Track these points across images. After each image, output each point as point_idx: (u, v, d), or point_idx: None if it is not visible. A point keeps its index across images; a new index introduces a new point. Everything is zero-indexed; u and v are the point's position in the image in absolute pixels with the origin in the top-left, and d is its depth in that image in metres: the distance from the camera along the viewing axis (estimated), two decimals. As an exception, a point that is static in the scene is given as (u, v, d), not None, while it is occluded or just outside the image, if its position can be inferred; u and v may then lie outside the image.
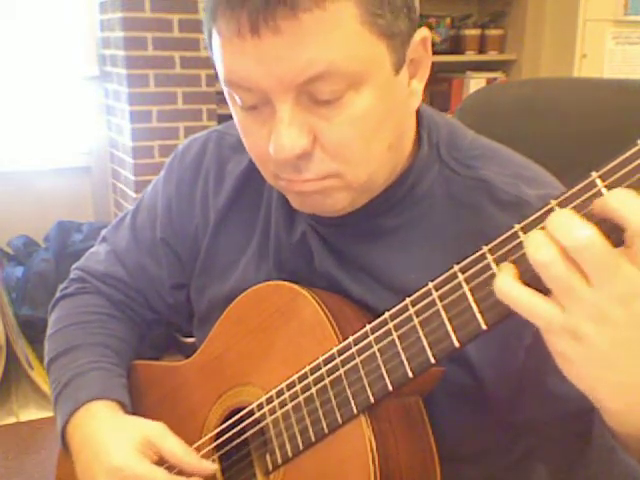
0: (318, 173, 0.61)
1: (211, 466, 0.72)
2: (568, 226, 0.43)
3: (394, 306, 0.58)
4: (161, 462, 0.72)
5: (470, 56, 3.30)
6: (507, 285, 0.47)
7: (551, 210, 0.46)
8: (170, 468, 0.72)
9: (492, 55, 3.33)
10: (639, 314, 0.44)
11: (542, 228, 0.46)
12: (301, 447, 0.65)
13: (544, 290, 0.46)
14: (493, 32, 3.31)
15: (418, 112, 0.69)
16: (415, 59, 0.63)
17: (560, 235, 0.43)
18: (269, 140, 0.60)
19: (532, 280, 0.46)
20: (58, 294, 0.92)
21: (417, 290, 0.56)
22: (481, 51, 3.32)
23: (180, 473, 0.72)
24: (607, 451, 0.58)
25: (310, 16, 0.53)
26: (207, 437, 0.76)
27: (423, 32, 0.63)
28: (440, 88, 3.27)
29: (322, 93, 0.57)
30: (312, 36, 0.54)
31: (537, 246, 0.44)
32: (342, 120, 0.58)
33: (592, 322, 0.44)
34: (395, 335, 0.57)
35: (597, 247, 0.42)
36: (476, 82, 3.24)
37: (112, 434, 0.73)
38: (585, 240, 0.42)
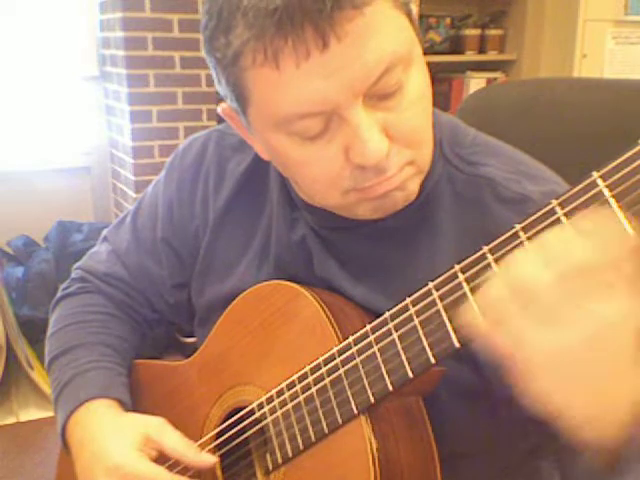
0: (398, 165, 0.60)
1: (210, 458, 0.72)
2: (559, 246, 0.44)
3: (394, 306, 0.58)
4: (161, 458, 0.72)
5: (470, 56, 3.29)
6: (471, 315, 0.48)
7: (552, 210, 0.46)
8: (171, 467, 0.72)
9: (492, 55, 3.32)
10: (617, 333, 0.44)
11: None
12: (301, 447, 0.65)
13: None
14: (493, 32, 3.31)
15: None
16: None
17: (548, 254, 0.44)
18: (341, 157, 0.58)
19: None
20: (59, 293, 0.92)
21: (417, 290, 0.56)
22: (481, 51, 3.32)
23: (181, 472, 0.72)
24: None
25: (361, 14, 0.53)
26: (207, 436, 0.76)
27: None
28: (440, 88, 3.26)
29: (389, 86, 0.57)
30: (373, 31, 0.54)
31: (521, 267, 0.45)
32: (407, 106, 0.59)
33: (578, 343, 0.44)
34: (395, 335, 0.57)
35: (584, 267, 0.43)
36: (476, 82, 3.23)
37: (112, 432, 0.73)
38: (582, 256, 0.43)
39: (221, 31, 0.56)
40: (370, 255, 0.70)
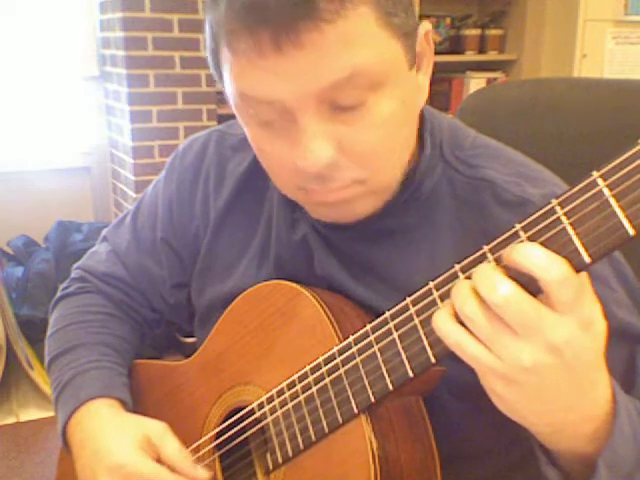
0: (344, 181, 0.60)
1: (205, 474, 0.71)
2: (488, 282, 0.45)
3: (394, 305, 0.58)
4: (160, 461, 0.71)
5: (470, 56, 3.30)
6: (440, 319, 0.49)
7: (552, 210, 0.46)
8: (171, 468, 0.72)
9: (492, 55, 3.33)
10: (570, 359, 0.46)
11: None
12: (301, 446, 0.65)
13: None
14: (493, 32, 3.31)
15: (420, 112, 0.69)
16: (420, 53, 0.63)
17: (482, 290, 0.45)
18: (290, 153, 0.59)
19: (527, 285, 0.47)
20: (59, 293, 0.92)
21: (418, 289, 0.56)
22: (481, 51, 3.32)
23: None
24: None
25: (332, 27, 0.53)
26: (207, 436, 0.76)
27: (425, 26, 0.63)
28: (440, 88, 3.27)
29: (345, 98, 0.56)
30: (335, 46, 0.54)
31: (462, 299, 0.47)
32: (367, 125, 0.58)
33: (522, 370, 0.46)
34: (396, 334, 0.57)
35: (516, 303, 0.44)
36: (476, 82, 3.24)
37: (113, 432, 0.73)
38: (503, 297, 0.45)
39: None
40: (370, 255, 0.70)
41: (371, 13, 0.55)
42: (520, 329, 0.45)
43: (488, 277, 0.46)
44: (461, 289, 0.47)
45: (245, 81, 0.57)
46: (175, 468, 0.71)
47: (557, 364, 0.46)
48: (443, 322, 0.48)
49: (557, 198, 0.46)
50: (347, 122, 0.57)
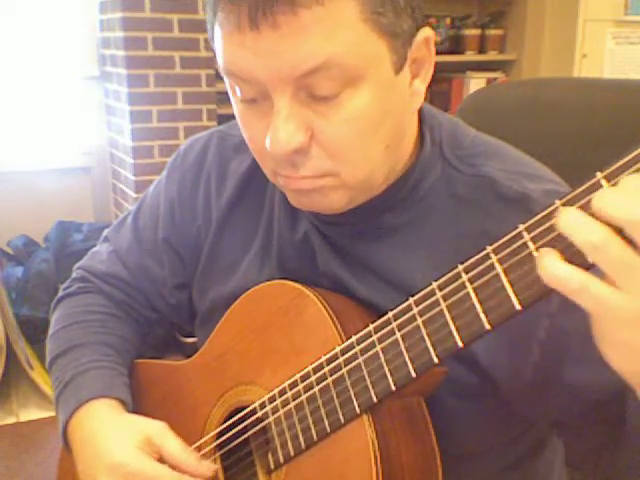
0: (315, 170, 0.61)
1: (211, 466, 0.72)
2: (625, 201, 0.41)
3: (397, 305, 0.58)
4: (161, 461, 0.71)
5: (470, 56, 3.30)
6: (554, 265, 0.44)
7: (556, 210, 0.46)
8: (173, 466, 0.72)
9: (492, 55, 3.33)
10: None
11: (581, 208, 0.43)
12: (303, 446, 0.65)
13: (547, 292, 0.45)
14: (493, 32, 3.31)
15: (420, 111, 0.69)
16: (418, 59, 0.63)
17: (616, 211, 0.41)
18: (265, 134, 0.59)
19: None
20: (60, 293, 0.92)
21: (421, 289, 0.56)
22: (481, 51, 3.32)
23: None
24: None
25: (309, 12, 0.53)
26: (209, 436, 0.76)
27: (426, 32, 0.62)
28: (440, 88, 3.27)
29: (320, 88, 0.57)
30: (311, 32, 0.54)
31: (587, 229, 0.42)
32: (339, 118, 0.58)
33: None
34: (398, 335, 0.57)
35: None
36: (476, 82, 3.24)
37: (113, 432, 0.73)
38: None
39: None
40: (369, 252, 0.70)
41: (355, 7, 0.55)
42: None
43: (622, 196, 0.41)
44: (580, 219, 0.42)
45: (228, 56, 0.59)
46: (179, 465, 0.71)
47: None
48: (558, 267, 0.43)
49: (561, 199, 0.46)
50: (320, 113, 0.58)
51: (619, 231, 0.41)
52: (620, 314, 0.42)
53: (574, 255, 0.44)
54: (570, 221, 0.43)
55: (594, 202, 0.42)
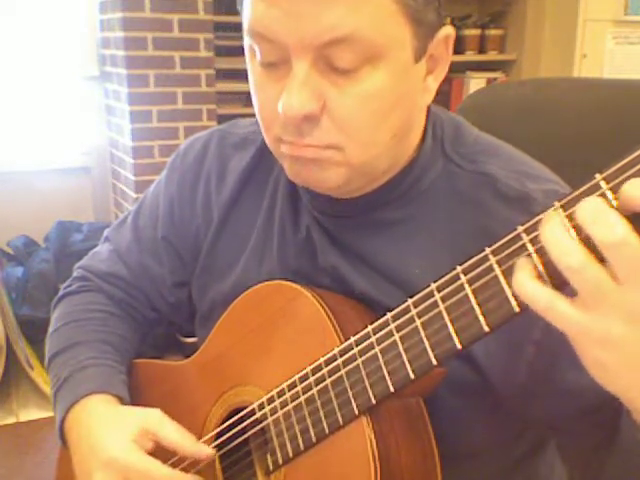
0: (321, 140, 0.61)
1: (208, 450, 0.72)
2: (604, 220, 0.41)
3: (396, 307, 0.58)
4: (159, 450, 0.71)
5: (470, 56, 3.29)
6: (525, 283, 0.45)
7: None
8: (171, 463, 0.72)
9: (492, 55, 3.33)
10: None
11: (567, 217, 0.44)
12: (302, 447, 0.65)
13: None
14: (493, 32, 3.31)
15: (427, 109, 0.70)
16: (435, 55, 0.64)
17: (596, 230, 0.41)
18: (278, 97, 0.60)
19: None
20: (61, 292, 0.93)
21: (420, 289, 0.56)
22: (481, 51, 3.32)
23: (177, 463, 0.72)
24: (638, 450, 0.57)
25: None
26: (207, 436, 0.76)
27: (448, 30, 0.64)
28: (440, 88, 3.23)
29: (341, 60, 0.57)
30: (343, 1, 0.54)
31: (567, 250, 0.43)
32: (354, 92, 0.58)
33: (622, 324, 0.42)
34: (397, 336, 0.57)
35: (633, 244, 0.40)
36: (476, 82, 3.23)
37: (108, 426, 0.73)
38: (622, 236, 0.40)
39: None
40: (368, 246, 0.70)
41: None
42: (627, 275, 0.41)
43: (603, 214, 0.41)
44: (561, 237, 0.43)
45: (257, 14, 0.58)
46: (177, 449, 0.71)
47: None
48: (528, 285, 0.45)
49: (560, 200, 0.46)
50: (337, 84, 0.58)
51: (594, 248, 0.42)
52: (589, 333, 0.43)
53: (552, 270, 0.44)
54: (551, 237, 0.44)
55: (580, 213, 0.42)
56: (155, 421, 0.72)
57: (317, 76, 0.58)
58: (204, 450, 0.72)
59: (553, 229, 0.44)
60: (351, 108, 0.59)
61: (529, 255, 0.47)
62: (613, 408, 0.57)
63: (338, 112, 0.59)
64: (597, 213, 0.42)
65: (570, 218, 0.44)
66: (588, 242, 0.42)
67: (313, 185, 0.67)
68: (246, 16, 0.60)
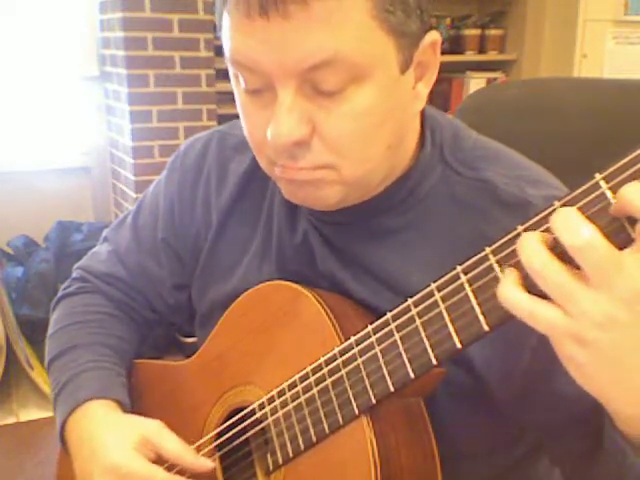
0: (314, 162, 0.61)
1: (208, 463, 0.72)
2: (570, 224, 0.43)
3: (396, 307, 0.58)
4: (158, 460, 0.71)
5: (470, 56, 3.30)
6: (508, 291, 0.46)
7: (554, 212, 0.46)
8: (169, 468, 0.72)
9: (492, 55, 3.33)
10: None
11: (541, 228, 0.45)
12: (302, 447, 0.65)
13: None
14: (493, 32, 3.31)
15: (422, 112, 0.69)
16: (423, 62, 0.63)
17: (561, 234, 0.43)
18: (266, 125, 0.59)
19: (533, 283, 0.46)
20: (60, 293, 0.92)
21: (419, 291, 0.56)
22: (481, 51, 3.32)
23: (179, 473, 0.72)
24: (618, 455, 0.58)
25: (320, 4, 0.53)
26: (208, 436, 0.76)
27: (433, 35, 0.62)
28: (440, 88, 3.26)
29: (325, 83, 0.57)
30: (321, 24, 0.54)
31: (531, 252, 0.44)
32: (342, 113, 0.58)
33: (596, 326, 0.43)
34: (397, 336, 0.57)
35: (599, 247, 0.42)
36: (476, 82, 3.23)
37: (109, 433, 0.73)
38: (587, 239, 0.42)
39: None
40: (366, 254, 0.70)
41: (367, 2, 0.55)
42: (596, 278, 0.42)
43: (569, 219, 0.43)
44: (528, 242, 0.45)
45: (235, 45, 0.58)
46: (177, 461, 0.71)
47: (633, 320, 0.43)
48: (510, 293, 0.46)
49: (560, 200, 0.46)
50: (324, 107, 0.58)
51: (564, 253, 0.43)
52: (566, 334, 0.44)
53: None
54: (523, 243, 0.45)
55: (551, 220, 0.44)
56: (155, 432, 0.72)
57: (303, 101, 0.58)
58: (204, 463, 0.71)
59: (526, 235, 0.45)
60: (341, 128, 0.59)
61: None
62: (600, 419, 0.58)
63: (328, 134, 0.59)
64: (565, 219, 0.43)
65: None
66: (563, 249, 0.44)
67: (310, 204, 0.67)
68: (226, 46, 0.60)
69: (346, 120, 0.59)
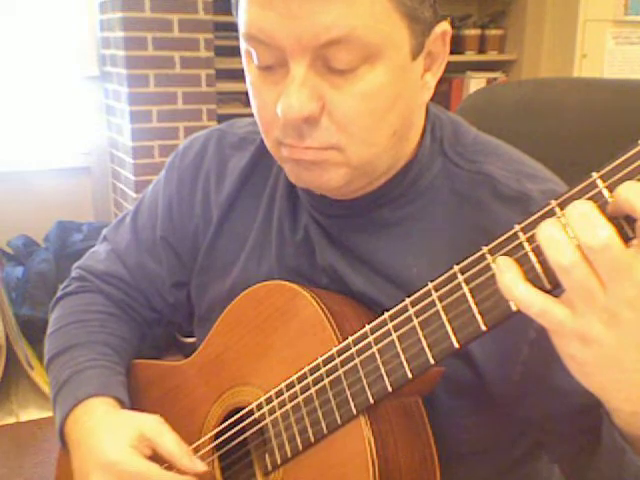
0: (321, 142, 0.61)
1: (203, 467, 0.71)
2: (590, 223, 0.42)
3: (394, 306, 0.58)
4: (156, 456, 0.71)
5: (470, 56, 3.29)
6: (516, 287, 0.46)
7: (552, 210, 0.46)
8: (169, 468, 0.72)
9: (492, 55, 3.33)
10: None
11: (558, 218, 0.45)
12: (300, 447, 0.65)
13: (545, 291, 0.46)
14: (493, 32, 3.31)
15: (425, 108, 0.70)
16: (433, 52, 0.64)
17: (579, 232, 0.43)
18: (277, 100, 0.60)
19: (534, 280, 0.46)
20: (59, 293, 0.92)
21: (417, 289, 0.56)
22: (481, 51, 3.32)
23: (178, 471, 0.71)
24: (617, 452, 0.58)
25: None
26: (206, 437, 0.76)
27: (444, 26, 0.64)
28: (440, 88, 3.23)
29: (338, 60, 0.57)
30: (339, 2, 0.54)
31: (560, 248, 0.44)
32: (353, 92, 0.58)
33: (602, 325, 0.44)
34: (395, 336, 0.57)
35: (616, 248, 0.42)
36: (476, 82, 3.23)
37: (108, 430, 0.73)
38: (605, 240, 0.42)
39: None
40: (367, 246, 0.70)
41: None
42: (610, 279, 0.43)
43: (589, 218, 0.42)
44: (554, 237, 0.44)
45: (251, 17, 0.58)
46: (172, 459, 0.71)
47: (636, 319, 0.43)
48: (520, 289, 0.46)
49: (556, 199, 0.46)
50: (335, 85, 0.58)
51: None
52: (570, 330, 0.45)
53: (548, 269, 0.45)
54: (546, 235, 0.45)
55: (568, 214, 0.44)
56: (153, 428, 0.72)
57: (315, 77, 0.58)
58: (199, 465, 0.71)
59: (549, 227, 0.45)
60: (350, 108, 0.59)
61: (525, 254, 0.47)
62: (598, 413, 0.58)
63: (337, 112, 0.59)
64: (584, 216, 0.43)
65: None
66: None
67: (315, 187, 0.67)
68: (241, 20, 0.60)
69: (356, 99, 0.59)
